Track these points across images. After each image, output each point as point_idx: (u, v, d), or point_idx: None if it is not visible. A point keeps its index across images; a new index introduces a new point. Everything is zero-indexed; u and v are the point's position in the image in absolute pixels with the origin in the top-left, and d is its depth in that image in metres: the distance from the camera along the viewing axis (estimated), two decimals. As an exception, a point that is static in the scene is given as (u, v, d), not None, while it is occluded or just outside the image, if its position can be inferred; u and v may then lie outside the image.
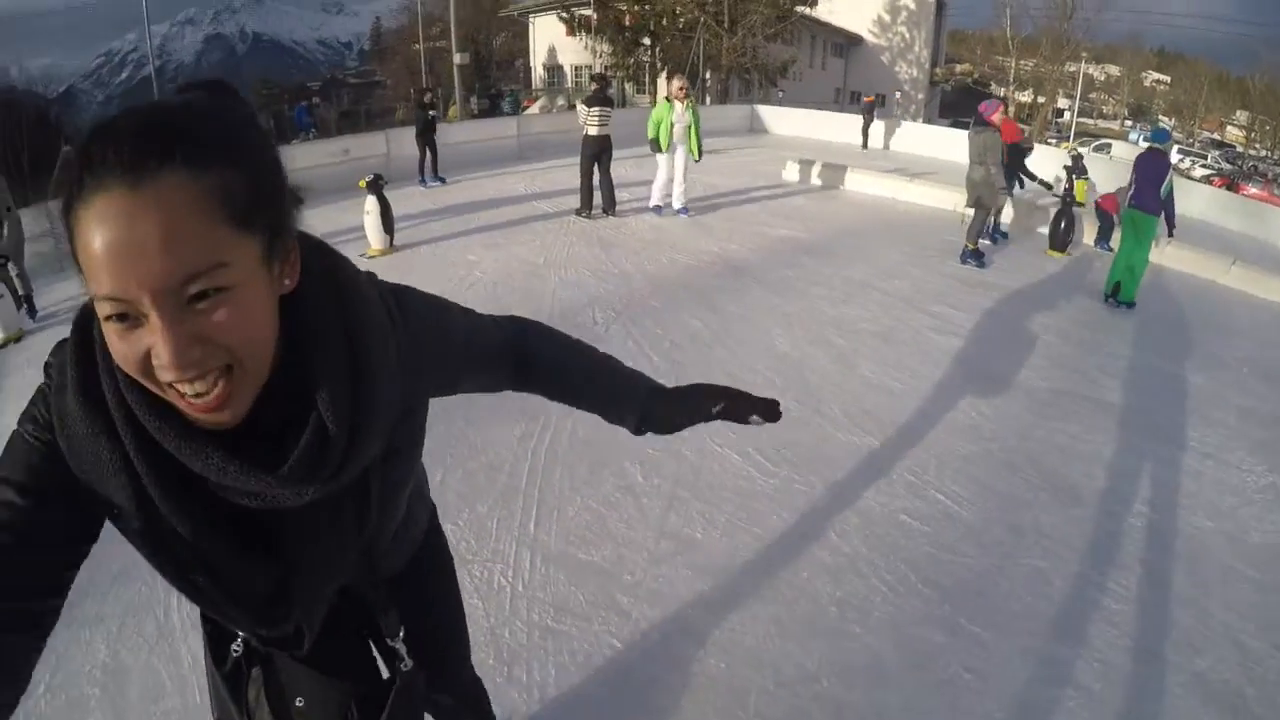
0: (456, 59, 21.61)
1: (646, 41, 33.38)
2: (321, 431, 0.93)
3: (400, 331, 1.07)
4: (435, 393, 1.22)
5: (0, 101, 53.04)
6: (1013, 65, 46.45)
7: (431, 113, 13.23)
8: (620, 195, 10.44)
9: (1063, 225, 9.29)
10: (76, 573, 0.97)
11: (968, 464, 4.30)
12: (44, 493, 0.93)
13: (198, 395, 0.82)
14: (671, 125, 9.61)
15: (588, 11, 33.84)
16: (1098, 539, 3.72)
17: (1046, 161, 12.28)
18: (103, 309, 0.79)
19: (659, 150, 9.85)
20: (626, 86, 33.82)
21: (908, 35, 43.95)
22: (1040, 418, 4.92)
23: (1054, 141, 29.08)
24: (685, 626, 3.04)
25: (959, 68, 53.70)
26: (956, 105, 45.39)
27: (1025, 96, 49.16)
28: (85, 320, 0.93)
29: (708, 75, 30.78)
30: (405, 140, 13.94)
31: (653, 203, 10.25)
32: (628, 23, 32.91)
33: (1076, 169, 10.98)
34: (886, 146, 19.21)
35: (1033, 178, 10.02)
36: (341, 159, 13.05)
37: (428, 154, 13.00)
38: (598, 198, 10.11)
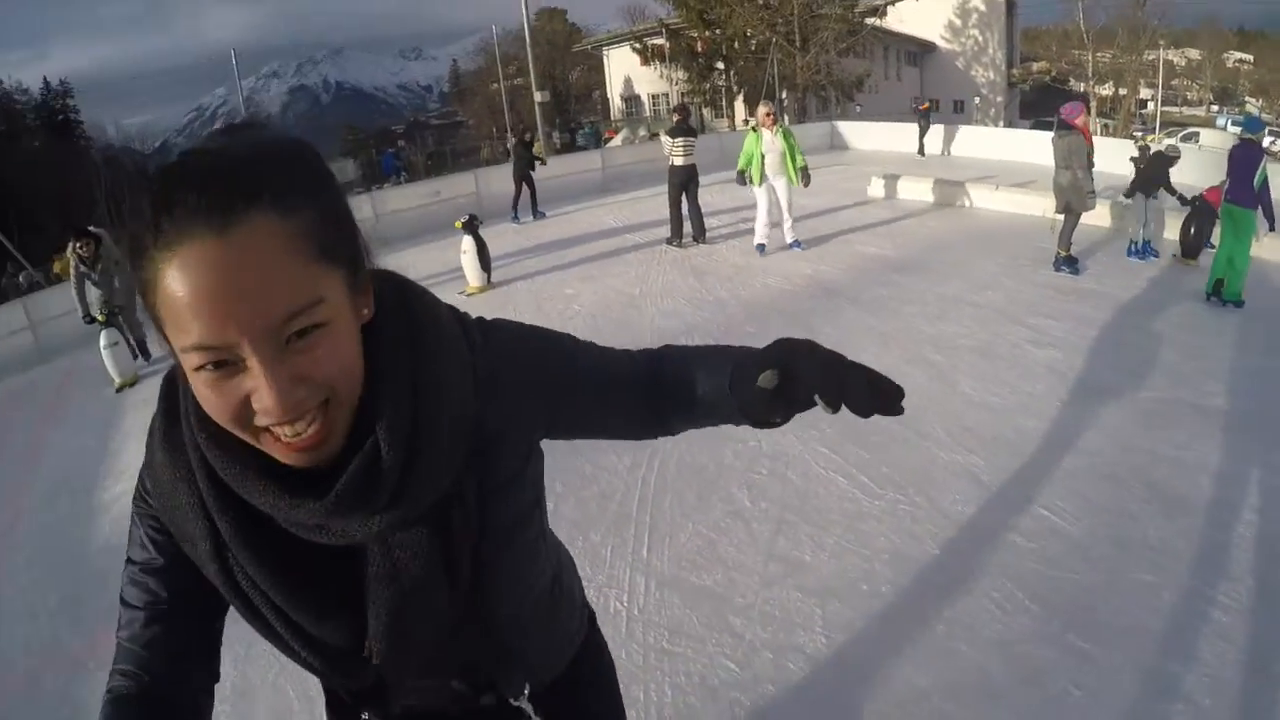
0: (538, 96, 22.10)
1: (720, 66, 33.70)
2: (374, 455, 0.88)
3: (480, 357, 1.01)
4: (541, 429, 1.10)
5: (102, 159, 55.02)
6: (1090, 59, 45.19)
7: (534, 152, 13.74)
8: (710, 222, 10.62)
9: (1193, 230, 8.79)
10: (223, 623, 1.02)
11: (1072, 478, 4.27)
12: (163, 563, 0.98)
13: (296, 434, 0.81)
14: (763, 156, 9.27)
15: (660, 41, 34.40)
16: (1206, 551, 3.66)
17: (1117, 154, 11.92)
18: (191, 360, 0.77)
19: (750, 183, 9.54)
20: (705, 112, 34.00)
21: (980, 38, 43.25)
22: (1144, 428, 4.84)
23: (1139, 134, 28.15)
24: (797, 647, 3.13)
25: (1036, 66, 52.20)
26: (1036, 105, 44.23)
27: (1106, 90, 47.74)
28: (173, 376, 0.96)
29: (784, 95, 30.75)
30: (494, 179, 14.46)
31: (756, 240, 9.76)
32: (700, 49, 33.23)
33: (1144, 161, 10.52)
34: (945, 153, 18.92)
35: (1173, 193, 9.52)
36: (433, 200, 13.56)
37: (524, 190, 13.34)
38: (688, 226, 10.24)
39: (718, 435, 4.24)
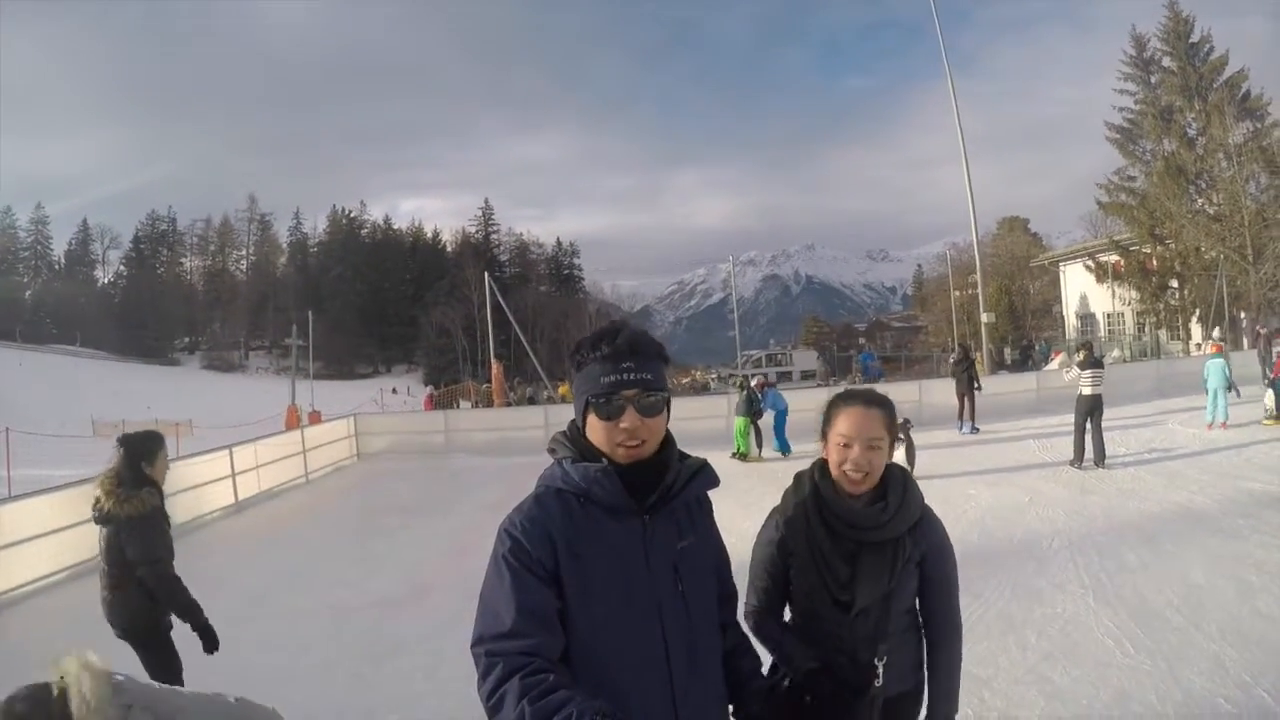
0: (984, 318, 23.62)
1: (1174, 284, 32.50)
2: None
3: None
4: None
5: (594, 311, 70.83)
6: None
7: (974, 372, 15.83)
8: (1116, 449, 11.76)
9: None
10: None
11: None
12: None
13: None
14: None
15: (1113, 258, 34.08)
16: None
17: None
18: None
19: None
20: (1160, 335, 32.73)
21: None
22: None
23: None
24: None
25: None
26: None
27: None
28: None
29: (1241, 315, 28.97)
30: (935, 389, 16.82)
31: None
32: (1151, 266, 32.53)
33: None
34: None
35: None
36: (875, 403, 16.08)
37: (965, 403, 15.42)
38: (1090, 451, 11.34)
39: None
